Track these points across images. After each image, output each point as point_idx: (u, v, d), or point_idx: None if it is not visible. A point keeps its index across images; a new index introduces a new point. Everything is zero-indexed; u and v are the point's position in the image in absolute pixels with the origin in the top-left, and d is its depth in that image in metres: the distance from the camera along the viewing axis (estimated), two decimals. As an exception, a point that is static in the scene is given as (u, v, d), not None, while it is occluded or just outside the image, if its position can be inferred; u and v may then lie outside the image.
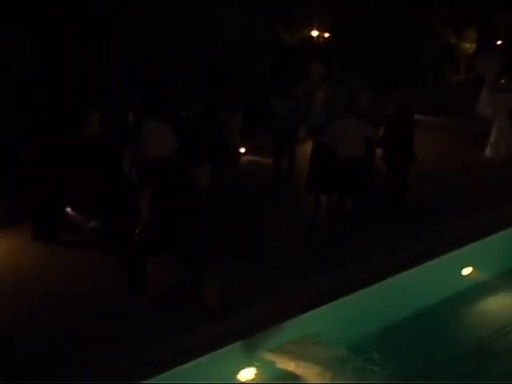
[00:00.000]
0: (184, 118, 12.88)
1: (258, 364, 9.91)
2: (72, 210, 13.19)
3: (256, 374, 9.84)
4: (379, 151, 13.42)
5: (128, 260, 10.85)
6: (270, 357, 9.92)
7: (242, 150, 14.55)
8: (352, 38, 19.35)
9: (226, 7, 17.38)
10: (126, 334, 9.78)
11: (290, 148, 14.79)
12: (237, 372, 9.79)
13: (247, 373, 9.82)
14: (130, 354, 9.38)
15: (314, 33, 20.05)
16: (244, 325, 10.03)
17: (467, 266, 12.23)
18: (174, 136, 12.05)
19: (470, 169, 15.22)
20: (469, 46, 21.57)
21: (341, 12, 19.79)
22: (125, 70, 14.72)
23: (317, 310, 10.50)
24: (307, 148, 14.06)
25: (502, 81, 16.16)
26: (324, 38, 20.18)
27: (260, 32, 18.67)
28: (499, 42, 21.01)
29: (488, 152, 16.07)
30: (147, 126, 12.00)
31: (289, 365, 9.86)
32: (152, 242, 10.21)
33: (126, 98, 12.81)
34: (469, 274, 12.27)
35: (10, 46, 13.65)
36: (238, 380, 9.77)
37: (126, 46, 15.19)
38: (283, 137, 14.51)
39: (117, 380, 8.97)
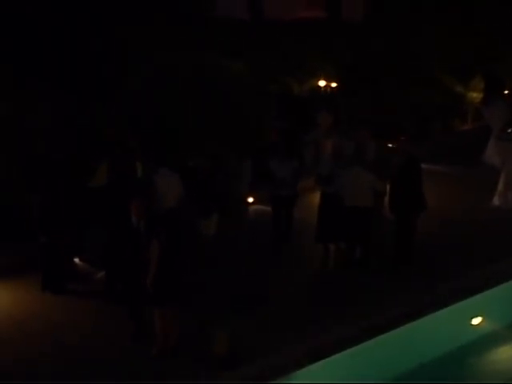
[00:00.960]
0: (192, 168, 12.95)
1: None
2: (80, 260, 13.20)
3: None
4: (386, 200, 13.43)
5: (134, 310, 10.82)
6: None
7: (250, 200, 14.54)
8: (359, 88, 19.49)
9: (235, 58, 17.57)
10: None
11: (288, 213, 13.99)
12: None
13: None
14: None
15: (322, 83, 20.20)
16: (251, 376, 9.96)
17: (476, 315, 12.16)
18: (182, 186, 12.12)
19: (478, 218, 15.17)
20: (476, 96, 21.67)
21: (348, 63, 19.98)
22: (133, 121, 14.83)
23: (325, 361, 10.43)
24: (315, 198, 14.10)
25: (509, 130, 16.21)
26: (331, 87, 20.33)
27: (268, 82, 18.82)
28: (506, 92, 21.12)
29: (496, 201, 16.04)
30: (158, 175, 12.08)
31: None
32: (161, 293, 10.19)
33: (134, 149, 12.90)
34: (478, 324, 12.19)
35: (17, 99, 13.81)
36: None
37: (134, 97, 15.33)
38: (281, 201, 13.86)
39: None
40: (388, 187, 13.23)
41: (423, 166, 13.30)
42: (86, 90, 14.61)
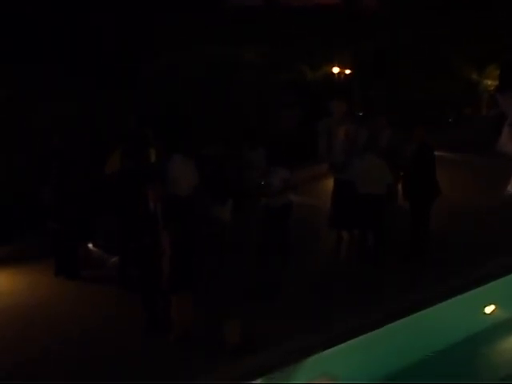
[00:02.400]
0: (207, 156, 12.95)
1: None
2: (93, 245, 13.24)
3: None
4: (400, 188, 13.40)
5: (148, 297, 10.82)
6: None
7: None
8: (373, 75, 19.44)
9: (248, 46, 17.57)
10: (147, 373, 9.78)
11: (283, 229, 12.61)
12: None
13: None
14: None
15: (335, 69, 20.13)
16: (264, 363, 9.97)
17: (489, 304, 12.14)
18: (197, 173, 12.13)
19: (492, 206, 15.11)
20: (490, 83, 21.59)
21: (363, 50, 19.93)
22: (147, 109, 14.86)
23: (337, 348, 10.45)
24: (328, 184, 14.09)
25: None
26: (345, 74, 20.26)
27: (281, 69, 18.80)
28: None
29: (510, 188, 15.97)
30: (172, 162, 12.09)
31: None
32: (175, 279, 10.20)
33: (148, 135, 12.93)
34: (491, 312, 12.17)
35: (28, 90, 13.86)
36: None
37: (148, 86, 15.37)
38: (272, 211, 12.44)
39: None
40: (401, 174, 13.20)
41: (436, 153, 13.24)
42: (100, 78, 14.66)
